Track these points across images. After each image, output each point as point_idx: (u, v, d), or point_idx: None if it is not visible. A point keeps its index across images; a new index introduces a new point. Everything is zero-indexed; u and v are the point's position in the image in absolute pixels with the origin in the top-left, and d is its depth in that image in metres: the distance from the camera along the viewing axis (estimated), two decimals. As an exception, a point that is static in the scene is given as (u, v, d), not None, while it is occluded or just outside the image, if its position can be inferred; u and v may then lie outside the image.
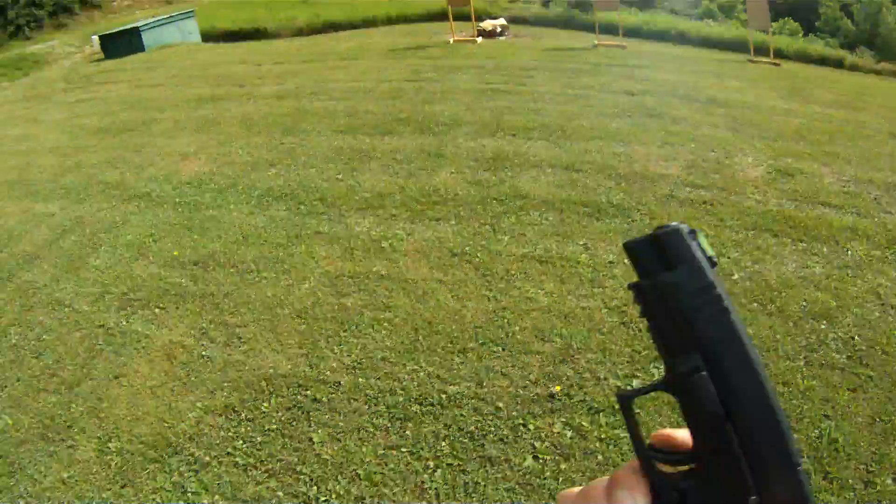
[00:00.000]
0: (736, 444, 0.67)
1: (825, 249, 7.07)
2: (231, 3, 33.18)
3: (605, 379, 5.08)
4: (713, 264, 0.70)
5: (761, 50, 22.33)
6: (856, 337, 5.77)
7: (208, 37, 27.26)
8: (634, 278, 0.72)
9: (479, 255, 6.69)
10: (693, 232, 0.72)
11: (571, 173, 8.49)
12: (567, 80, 13.79)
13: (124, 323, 6.03)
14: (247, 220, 7.62)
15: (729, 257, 6.80)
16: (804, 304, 6.14)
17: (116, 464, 4.61)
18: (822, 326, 5.89)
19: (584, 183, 8.20)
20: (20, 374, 5.70)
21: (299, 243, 7.06)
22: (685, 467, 0.74)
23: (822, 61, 32.11)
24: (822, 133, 11.48)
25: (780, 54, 24.12)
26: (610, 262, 6.56)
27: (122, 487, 4.44)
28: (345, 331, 5.62)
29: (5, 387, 5.60)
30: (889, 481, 4.47)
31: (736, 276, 6.49)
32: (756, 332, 5.72)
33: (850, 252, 7.06)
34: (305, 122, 10.92)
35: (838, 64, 33.11)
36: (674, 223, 0.72)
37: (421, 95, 12.14)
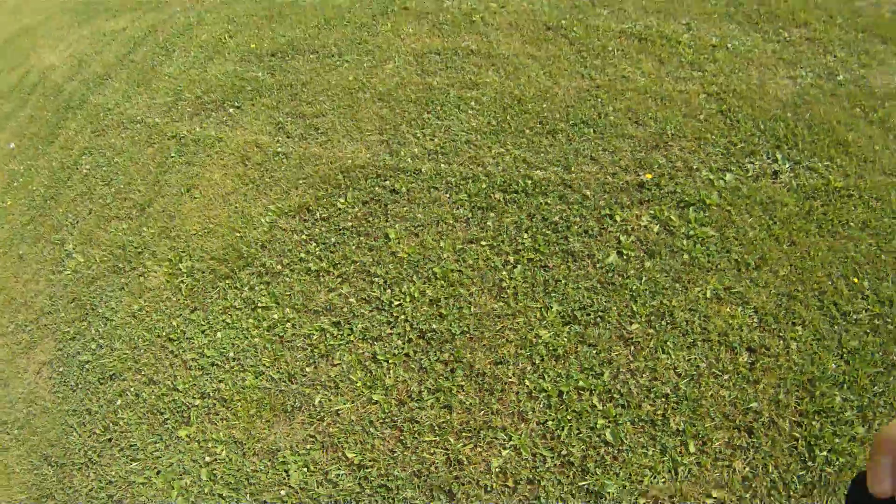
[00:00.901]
0: None
1: None
2: None
3: (698, 170, 4.66)
4: None
5: None
6: None
7: None
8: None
9: (575, 29, 6.13)
10: None
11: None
12: None
13: (198, 129, 5.74)
14: (331, 2, 7.16)
15: (836, 56, 6.19)
16: None
17: (187, 286, 4.39)
18: None
19: None
20: (91, 206, 5.50)
21: (385, 21, 6.59)
22: None
23: None
24: None
25: None
26: (713, 46, 6.01)
27: (192, 312, 4.23)
28: (429, 112, 5.21)
29: (77, 222, 5.41)
30: None
31: (841, 77, 5.90)
32: (855, 140, 5.22)
33: None
34: None
35: None
36: None
37: None
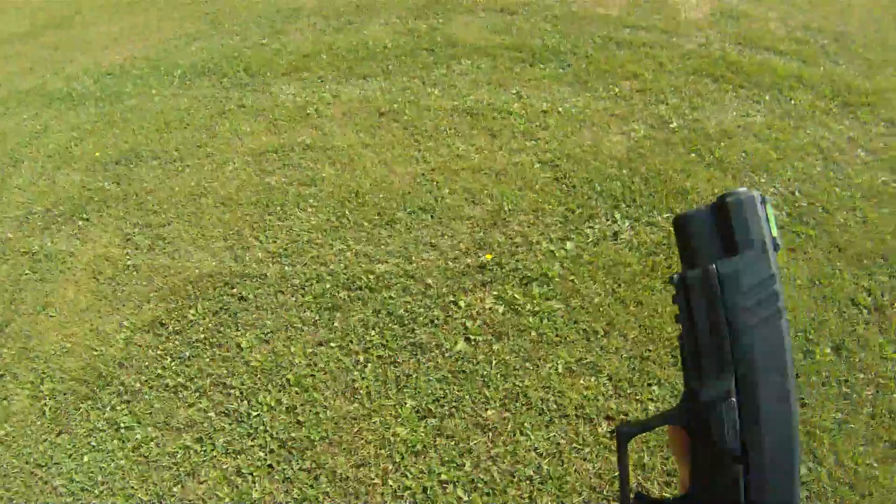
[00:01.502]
0: (742, 493, 0.62)
1: (767, 97, 6.91)
2: None
3: (538, 243, 4.90)
4: (776, 248, 0.62)
5: None
6: (796, 192, 5.67)
7: None
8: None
9: (407, 111, 6.41)
10: (765, 200, 0.66)
11: (506, 16, 8.20)
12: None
13: (49, 244, 5.73)
14: (170, 104, 7.27)
15: (667, 104, 6.59)
16: (744, 154, 6.02)
17: (50, 408, 4.39)
18: (762, 180, 5.78)
19: (518, 26, 7.93)
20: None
21: (223, 121, 6.74)
22: None
23: None
24: None
25: None
26: (543, 112, 6.32)
27: (58, 436, 4.23)
28: (270, 213, 5.37)
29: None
30: (828, 350, 4.40)
31: (674, 124, 6.29)
32: (693, 185, 5.57)
33: (793, 101, 6.89)
34: (230, -14, 10.46)
35: None
36: (743, 189, 0.63)
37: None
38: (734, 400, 0.61)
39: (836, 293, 4.75)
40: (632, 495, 0.70)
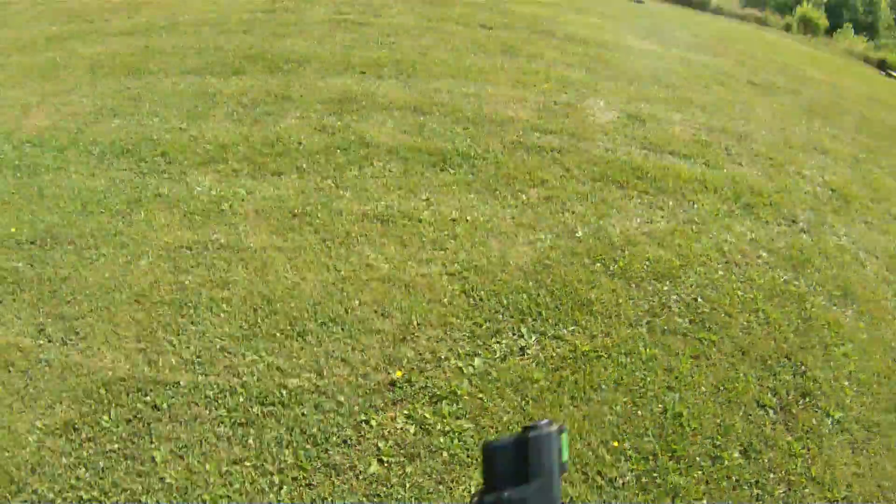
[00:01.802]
0: None
1: (671, 203, 7.25)
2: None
3: (447, 359, 5.07)
4: (564, 470, 0.78)
5: None
6: (698, 298, 5.95)
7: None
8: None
9: (319, 215, 6.60)
10: (562, 430, 0.81)
11: (419, 117, 8.48)
12: (424, 10, 13.81)
13: None
14: (87, 184, 7.31)
15: (573, 212, 6.88)
16: (647, 263, 6.30)
17: None
18: (665, 288, 6.04)
19: (431, 128, 8.19)
20: None
21: (139, 209, 6.81)
22: None
23: (687, 2, 32.71)
24: (678, 77, 11.74)
25: None
26: (453, 220, 6.54)
27: None
28: (183, 316, 5.45)
29: None
30: (736, 454, 4.62)
31: (580, 234, 6.57)
32: (598, 297, 5.80)
33: (696, 205, 7.27)
34: (153, 61, 10.57)
35: (703, 6, 33.78)
36: (544, 423, 0.78)
37: (274, 28, 11.96)
38: None
39: (741, 396, 5.03)
40: None
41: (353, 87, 9.19)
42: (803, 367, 5.51)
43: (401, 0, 14.69)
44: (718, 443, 4.67)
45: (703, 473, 4.45)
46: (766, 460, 4.62)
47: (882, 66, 36.51)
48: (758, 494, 4.38)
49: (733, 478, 4.45)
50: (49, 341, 5.37)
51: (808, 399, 5.20)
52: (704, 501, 4.30)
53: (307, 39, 11.18)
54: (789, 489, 4.45)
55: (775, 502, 4.36)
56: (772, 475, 4.53)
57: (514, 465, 0.76)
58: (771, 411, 5.02)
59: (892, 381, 5.73)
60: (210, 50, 10.86)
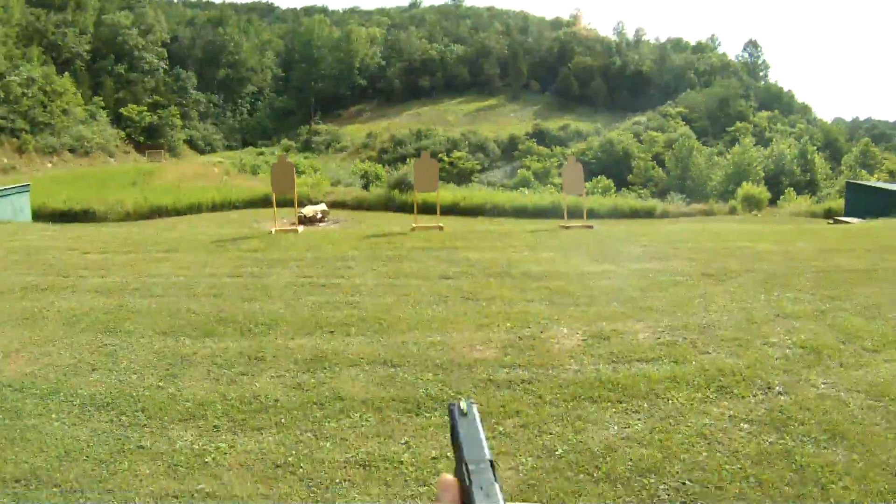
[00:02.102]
0: None
1: (645, 405, 7.50)
2: (64, 178, 33.40)
3: None
4: (463, 414, 1.20)
5: (575, 213, 23.75)
6: (687, 482, 6.14)
7: (39, 215, 27.15)
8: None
9: (302, 465, 6.84)
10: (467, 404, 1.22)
11: (389, 369, 8.84)
12: (385, 268, 14.38)
13: None
14: (69, 432, 7.54)
15: (551, 433, 7.11)
16: (630, 463, 6.49)
17: None
18: (652, 481, 6.22)
19: (402, 378, 8.55)
20: None
21: (122, 459, 7.01)
22: None
23: (635, 214, 34.39)
24: (634, 289, 12.21)
25: (593, 214, 25.80)
26: (433, 458, 6.81)
27: None
28: None
29: None
30: None
31: (559, 451, 6.78)
32: (586, 502, 6.01)
33: (670, 401, 7.50)
34: (128, 321, 10.96)
35: (649, 214, 35.54)
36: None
37: (241, 292, 12.44)
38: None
39: None
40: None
41: (324, 345, 9.60)
42: None
43: (361, 260, 15.36)
44: None
45: None
46: None
47: (829, 214, 37.95)
48: None
49: None
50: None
51: None
52: None
53: (275, 302, 11.66)
54: None
55: None
56: None
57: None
58: None
59: None
60: (182, 312, 11.28)
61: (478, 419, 1.21)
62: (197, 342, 10.02)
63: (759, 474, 6.28)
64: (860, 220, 30.29)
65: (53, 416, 7.93)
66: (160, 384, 8.69)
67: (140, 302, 12.07)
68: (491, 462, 1.14)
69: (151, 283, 13.40)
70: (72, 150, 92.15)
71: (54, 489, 6.61)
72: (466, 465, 1.12)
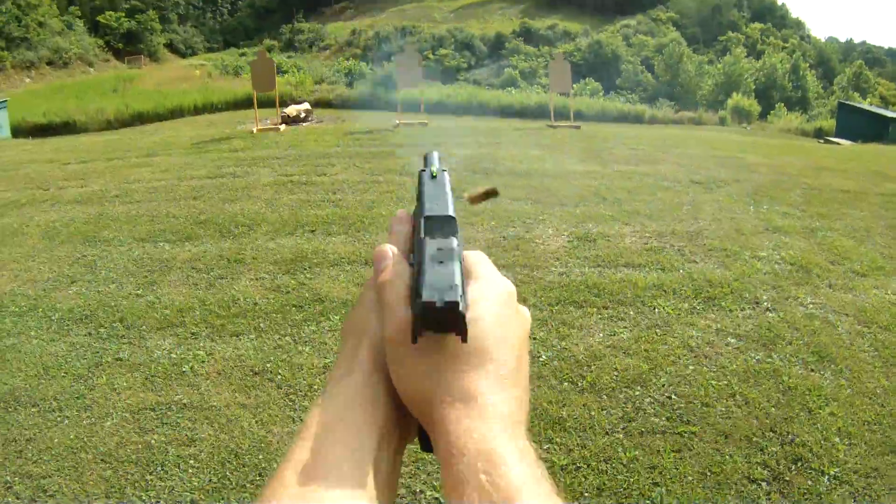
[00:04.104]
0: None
1: (631, 312, 7.41)
2: (43, 92, 32.90)
3: (422, 492, 5.14)
4: (433, 177, 1.06)
5: (562, 114, 23.51)
6: (672, 396, 6.07)
7: (18, 130, 26.78)
8: None
9: (280, 371, 6.75)
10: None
11: (370, 268, 8.62)
12: (367, 165, 14.21)
13: None
14: (48, 349, 7.43)
15: (535, 338, 6.98)
16: (616, 373, 6.41)
17: None
18: (637, 392, 6.15)
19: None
20: None
21: (100, 373, 6.91)
22: None
23: (623, 118, 34.02)
24: (621, 191, 12.05)
25: (580, 116, 25.56)
26: None
27: None
28: (150, 473, 5.56)
29: None
30: None
31: (543, 357, 6.69)
32: (570, 413, 5.90)
33: (657, 310, 7.41)
34: (108, 229, 10.80)
35: (638, 119, 35.18)
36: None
37: (222, 194, 12.24)
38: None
39: (730, 477, 5.10)
40: None
41: (304, 245, 9.45)
42: (790, 436, 5.61)
43: (344, 157, 15.15)
44: None
45: None
46: None
47: (819, 134, 37.76)
48: None
49: None
50: (17, 498, 5.43)
51: (799, 464, 5.28)
52: None
53: (255, 203, 11.48)
54: None
55: None
56: None
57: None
58: (763, 483, 5.09)
59: (884, 426, 5.88)
60: (162, 217, 11.11)
61: (448, 184, 1.03)
62: (176, 247, 9.87)
63: (746, 392, 6.20)
64: (851, 142, 29.88)
65: (32, 333, 7.79)
66: (138, 293, 8.55)
67: (120, 209, 11.88)
68: (452, 218, 0.93)
69: (132, 190, 13.19)
70: (50, 63, 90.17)
71: (33, 409, 6.51)
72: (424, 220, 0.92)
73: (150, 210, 11.61)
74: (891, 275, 9.13)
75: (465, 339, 0.76)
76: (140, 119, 29.16)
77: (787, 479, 5.18)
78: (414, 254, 0.93)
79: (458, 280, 0.78)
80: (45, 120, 27.95)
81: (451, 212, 0.94)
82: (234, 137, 19.30)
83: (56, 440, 6.05)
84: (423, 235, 0.88)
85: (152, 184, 13.55)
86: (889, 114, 35.60)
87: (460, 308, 0.74)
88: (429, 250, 0.84)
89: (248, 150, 16.69)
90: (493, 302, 0.85)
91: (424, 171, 1.06)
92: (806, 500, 5.06)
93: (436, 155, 1.13)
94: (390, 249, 0.92)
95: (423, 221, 0.90)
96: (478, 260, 0.92)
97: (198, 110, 30.73)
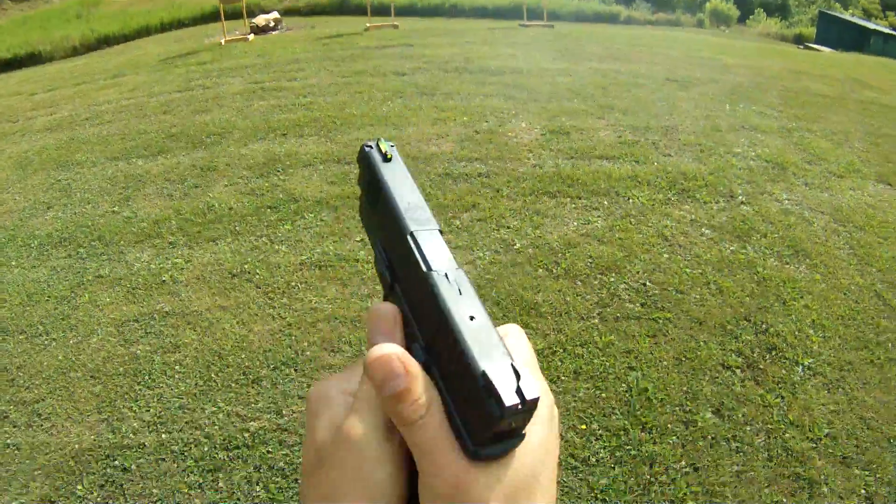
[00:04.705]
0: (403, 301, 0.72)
1: (605, 202, 7.43)
2: (7, 27, 32.25)
3: None
4: (387, 160, 0.82)
5: (536, 14, 23.20)
6: (647, 283, 6.14)
7: (-17, 69, 26.34)
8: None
9: (258, 271, 6.80)
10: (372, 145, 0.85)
11: (344, 166, 8.70)
12: (338, 68, 14.09)
13: None
14: (30, 276, 7.45)
15: (509, 227, 7.06)
16: (590, 260, 6.48)
17: None
18: (612, 279, 6.23)
19: (356, 174, 8.27)
20: None
21: (83, 292, 6.96)
22: None
23: (598, 18, 33.43)
24: (595, 88, 11.98)
25: (554, 16, 25.11)
26: None
27: None
28: (139, 383, 5.63)
29: None
30: (709, 415, 4.80)
31: (518, 245, 6.75)
32: (545, 299, 5.98)
33: (631, 200, 7.44)
34: (80, 152, 10.69)
35: (613, 19, 34.51)
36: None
37: (192, 106, 12.12)
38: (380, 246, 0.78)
39: (704, 363, 5.21)
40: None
41: (276, 149, 9.41)
42: (764, 325, 5.71)
43: (314, 62, 14.99)
44: (689, 408, 4.84)
45: (678, 438, 4.63)
46: (740, 416, 4.79)
47: (798, 40, 37.40)
48: (737, 447, 4.54)
49: (709, 437, 4.61)
50: (14, 426, 5.50)
51: (774, 353, 5.38)
52: (683, 462, 4.50)
53: (226, 111, 11.39)
54: (769, 437, 4.62)
55: (756, 450, 4.52)
56: (748, 428, 4.69)
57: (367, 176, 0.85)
58: (738, 370, 5.19)
59: (858, 321, 5.99)
60: (133, 134, 11.02)
61: (405, 167, 0.81)
62: (149, 161, 9.81)
63: (721, 282, 6.25)
64: (831, 50, 29.42)
65: (13, 262, 7.79)
66: (115, 209, 8.52)
67: (90, 131, 11.75)
68: (440, 231, 0.73)
69: (101, 111, 13.03)
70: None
71: (20, 336, 6.54)
72: (413, 236, 0.70)
73: (120, 129, 11.50)
74: (868, 178, 9.12)
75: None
76: (106, 42, 28.62)
77: (762, 367, 5.26)
78: (402, 306, 0.72)
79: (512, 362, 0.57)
80: (9, 55, 27.43)
81: (436, 223, 0.74)
82: (203, 51, 19.02)
83: (45, 363, 6.11)
84: (427, 268, 0.67)
85: (121, 103, 13.39)
86: (871, 25, 35.28)
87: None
88: (460, 322, 0.60)
89: (216, 62, 16.46)
90: (538, 420, 0.62)
91: (370, 147, 0.84)
92: (780, 388, 5.15)
93: (384, 144, 0.86)
94: (395, 356, 0.60)
95: (410, 240, 0.70)
96: (517, 344, 0.69)
97: (164, 27, 30.15)
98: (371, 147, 0.84)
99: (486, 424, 0.56)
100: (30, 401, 5.74)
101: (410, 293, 0.70)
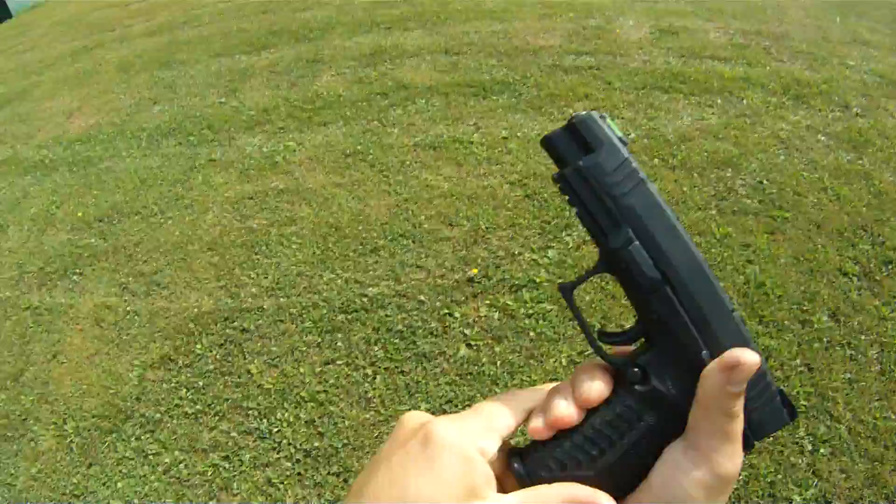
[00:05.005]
0: (678, 303, 0.72)
1: (719, 101, 7.15)
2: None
3: (520, 254, 5.20)
4: (625, 143, 0.75)
5: None
6: (764, 181, 5.89)
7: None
8: (549, 166, 0.74)
9: (372, 151, 6.74)
10: (603, 116, 0.77)
11: (452, 57, 8.52)
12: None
13: (48, 298, 5.93)
14: (142, 164, 7.52)
15: (623, 117, 6.86)
16: (706, 154, 6.25)
17: (77, 445, 4.58)
18: (728, 174, 6.00)
19: (465, 64, 8.23)
20: (-35, 383, 5.63)
21: (196, 175, 7.02)
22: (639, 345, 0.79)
23: None
24: None
25: None
26: (503, 138, 6.63)
27: (89, 468, 4.43)
28: (256, 253, 5.66)
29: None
30: (825, 318, 4.62)
31: (633, 135, 6.55)
32: (662, 187, 5.82)
33: (745, 101, 7.14)
34: (181, 52, 10.72)
35: None
36: (584, 111, 0.77)
37: (292, 5, 11.97)
38: (636, 242, 0.73)
39: (822, 266, 5.01)
40: (595, 333, 0.78)
41: (382, 41, 9.28)
42: (881, 238, 5.40)
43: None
44: (806, 308, 4.67)
45: (794, 336, 4.46)
46: (855, 323, 4.59)
47: None
48: (851, 355, 4.36)
49: (824, 339, 4.44)
50: (133, 296, 5.61)
51: (890, 266, 5.09)
52: (798, 361, 4.37)
53: (327, 9, 11.26)
54: (882, 350, 4.40)
55: (870, 362, 4.34)
56: (863, 337, 4.49)
57: (574, 145, 0.76)
58: (854, 278, 4.96)
59: None
60: (234, 33, 11.00)
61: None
62: (253, 56, 9.77)
63: (838, 189, 5.91)
64: None
65: (124, 153, 7.87)
66: (222, 100, 8.53)
67: (190, 33, 11.77)
68: (734, 312, 0.74)
69: (198, 15, 13.00)
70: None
71: (136, 217, 6.63)
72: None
73: (220, 29, 11.47)
74: None
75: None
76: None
77: (877, 278, 4.98)
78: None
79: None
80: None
81: (759, 357, 0.70)
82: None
83: (162, 239, 6.18)
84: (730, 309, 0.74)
85: (218, 6, 13.32)
86: None
87: None
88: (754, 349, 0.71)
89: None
90: None
91: (584, 117, 0.77)
92: (895, 302, 4.91)
93: (595, 115, 0.78)
94: (760, 363, 0.69)
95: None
96: None
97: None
98: (586, 117, 0.77)
99: (774, 426, 0.73)
100: (148, 272, 5.82)
101: (693, 309, 0.73)
